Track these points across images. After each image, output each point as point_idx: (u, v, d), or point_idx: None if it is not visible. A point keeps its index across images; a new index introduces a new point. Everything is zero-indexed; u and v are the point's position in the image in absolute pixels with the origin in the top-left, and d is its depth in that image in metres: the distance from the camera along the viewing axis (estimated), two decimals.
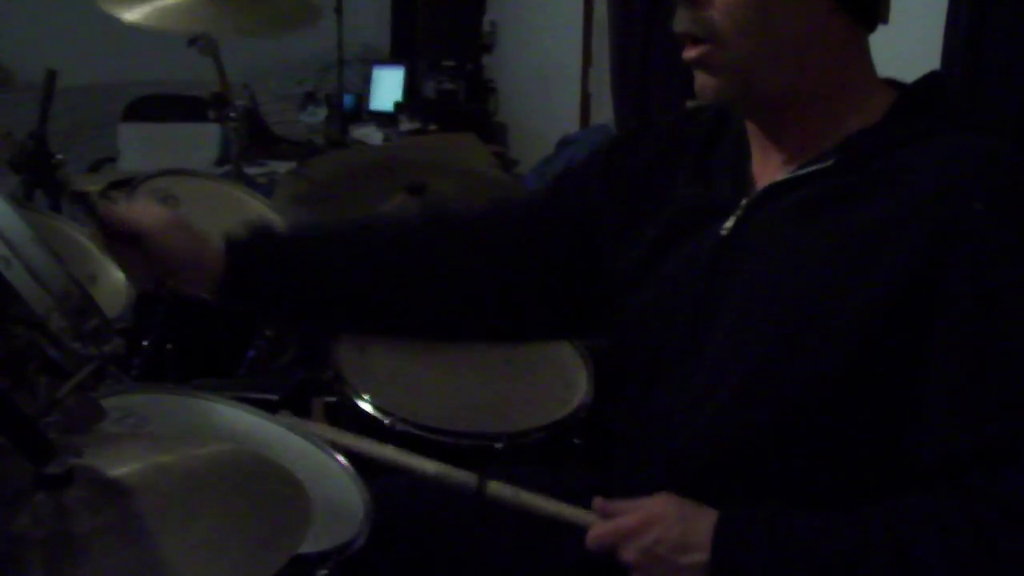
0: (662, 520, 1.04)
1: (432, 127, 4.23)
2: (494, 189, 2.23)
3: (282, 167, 3.59)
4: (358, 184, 2.17)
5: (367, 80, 4.93)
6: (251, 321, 2.00)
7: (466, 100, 4.46)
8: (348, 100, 4.82)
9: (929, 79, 1.12)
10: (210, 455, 0.94)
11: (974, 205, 0.98)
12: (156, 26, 2.29)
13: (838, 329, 1.01)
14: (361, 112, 4.86)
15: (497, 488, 1.15)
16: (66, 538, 0.79)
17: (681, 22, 1.07)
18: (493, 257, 1.29)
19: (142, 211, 1.23)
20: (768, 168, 1.13)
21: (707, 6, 1.05)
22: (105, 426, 1.05)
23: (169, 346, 1.83)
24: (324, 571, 1.11)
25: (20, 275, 0.89)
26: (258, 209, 2.03)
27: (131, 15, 2.28)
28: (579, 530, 1.09)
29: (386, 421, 1.60)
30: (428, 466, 1.19)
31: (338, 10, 4.63)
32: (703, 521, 1.03)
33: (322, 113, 4.63)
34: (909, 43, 1.78)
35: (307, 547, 0.93)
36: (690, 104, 1.22)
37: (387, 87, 4.73)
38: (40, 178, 2.36)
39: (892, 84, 1.12)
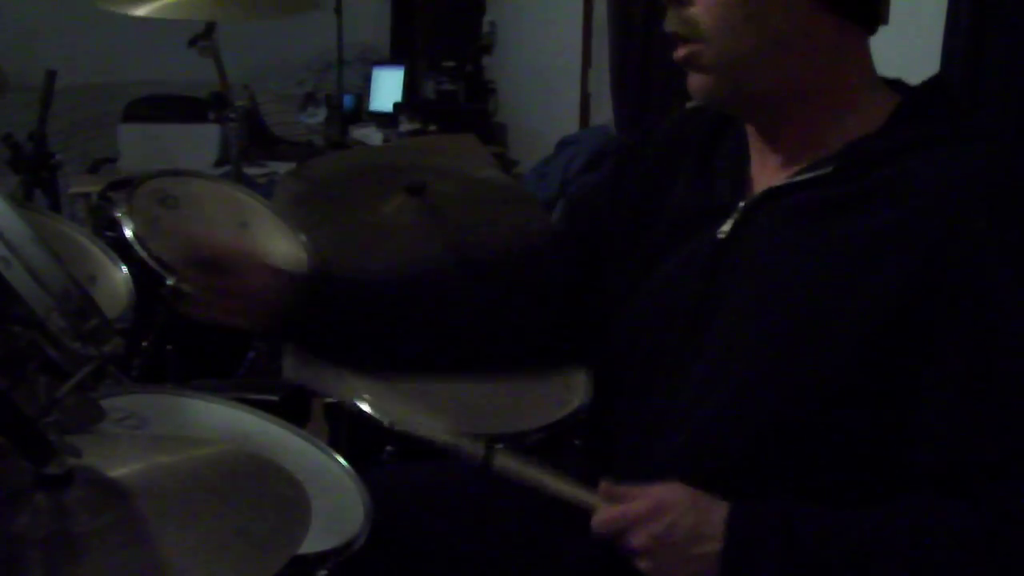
0: (674, 507, 1.03)
1: (432, 128, 4.22)
2: (494, 190, 2.23)
3: (282, 168, 3.59)
4: (357, 184, 2.16)
5: (367, 80, 4.93)
6: None
7: (466, 101, 4.45)
8: (348, 101, 4.82)
9: (932, 83, 1.11)
10: (210, 455, 0.95)
11: (975, 216, 0.98)
12: (159, 17, 2.28)
13: (837, 333, 1.01)
14: (361, 113, 4.86)
15: (503, 460, 1.14)
16: (66, 538, 0.79)
17: (670, 22, 1.08)
18: (522, 301, 1.30)
19: (228, 242, 1.24)
20: (766, 170, 1.13)
21: (691, 5, 1.05)
22: (105, 426, 1.06)
23: (169, 346, 1.82)
24: (324, 571, 1.11)
25: (20, 275, 0.89)
26: (258, 209, 2.02)
27: (135, 10, 2.28)
28: (582, 515, 1.08)
29: (386, 421, 1.60)
30: (438, 433, 1.19)
31: (338, 10, 4.64)
32: (716, 511, 1.02)
33: (322, 113, 4.62)
34: (909, 43, 1.78)
35: (307, 547, 0.92)
36: (690, 105, 1.21)
37: (387, 88, 4.73)
38: (40, 178, 2.37)
39: (894, 84, 1.12)
